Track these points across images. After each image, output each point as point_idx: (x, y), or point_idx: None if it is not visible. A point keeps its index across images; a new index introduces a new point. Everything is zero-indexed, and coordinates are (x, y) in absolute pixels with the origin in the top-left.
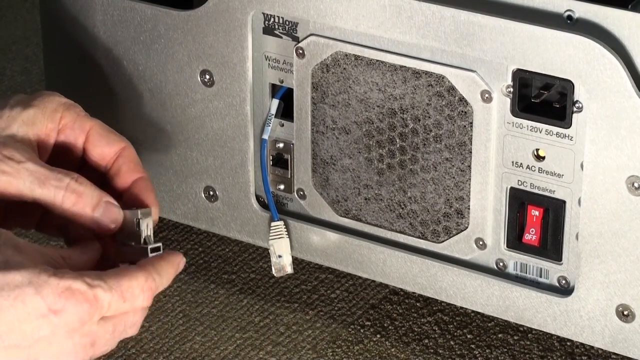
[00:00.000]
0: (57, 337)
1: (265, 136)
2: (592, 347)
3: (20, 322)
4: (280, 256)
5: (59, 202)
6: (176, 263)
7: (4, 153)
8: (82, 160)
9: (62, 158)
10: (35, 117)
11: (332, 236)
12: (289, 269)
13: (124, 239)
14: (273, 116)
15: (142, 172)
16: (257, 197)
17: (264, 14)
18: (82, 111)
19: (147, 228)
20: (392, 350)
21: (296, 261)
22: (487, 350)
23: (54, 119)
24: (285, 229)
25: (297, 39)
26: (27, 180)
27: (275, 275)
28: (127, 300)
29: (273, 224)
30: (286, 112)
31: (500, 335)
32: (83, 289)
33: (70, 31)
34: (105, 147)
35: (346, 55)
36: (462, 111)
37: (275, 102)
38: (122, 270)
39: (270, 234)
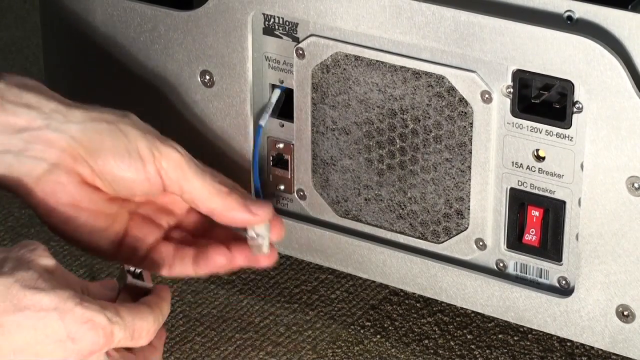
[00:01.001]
0: None
1: (262, 122)
2: (592, 348)
3: (36, 343)
4: (258, 234)
5: (215, 193)
6: (169, 298)
7: (173, 142)
8: None
9: None
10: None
11: (332, 237)
12: (265, 250)
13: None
14: (273, 105)
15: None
16: (258, 197)
17: (264, 14)
18: None
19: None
20: (392, 350)
21: (296, 262)
22: (487, 351)
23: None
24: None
25: (297, 40)
26: (193, 167)
27: (253, 254)
28: (133, 339)
29: None
30: (286, 112)
31: (500, 336)
32: (104, 324)
33: (70, 32)
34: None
35: (346, 55)
36: (462, 112)
37: (277, 92)
38: (135, 308)
39: None
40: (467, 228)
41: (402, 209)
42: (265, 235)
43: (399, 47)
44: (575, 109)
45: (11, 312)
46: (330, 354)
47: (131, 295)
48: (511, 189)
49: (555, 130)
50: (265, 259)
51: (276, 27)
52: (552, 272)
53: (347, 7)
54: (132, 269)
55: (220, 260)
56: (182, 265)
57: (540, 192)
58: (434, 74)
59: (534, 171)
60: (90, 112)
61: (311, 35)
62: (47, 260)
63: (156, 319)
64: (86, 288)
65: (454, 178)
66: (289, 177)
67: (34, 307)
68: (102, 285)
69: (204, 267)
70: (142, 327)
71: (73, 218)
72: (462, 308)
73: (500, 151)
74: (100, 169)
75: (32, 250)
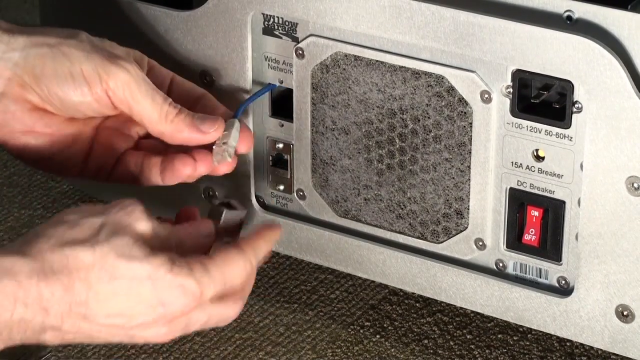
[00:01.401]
0: (158, 324)
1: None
2: (592, 348)
3: (129, 308)
4: (225, 143)
5: (163, 116)
6: (273, 240)
7: (123, 59)
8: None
9: None
10: (128, 52)
11: (332, 236)
12: (228, 158)
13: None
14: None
15: (224, 109)
16: (257, 197)
17: (263, 14)
18: None
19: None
20: (392, 350)
21: (296, 261)
22: (486, 351)
23: (143, 60)
24: (239, 125)
25: (296, 40)
26: (143, 87)
27: (214, 163)
28: (226, 289)
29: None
30: (286, 112)
31: (499, 336)
32: (193, 288)
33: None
34: (190, 87)
35: (346, 55)
36: (462, 111)
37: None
38: (225, 259)
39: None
40: (466, 228)
41: (402, 208)
42: (230, 144)
43: (398, 47)
44: (574, 109)
45: (106, 280)
46: (330, 354)
47: (229, 231)
48: (511, 188)
49: (555, 130)
50: (224, 166)
51: (276, 27)
52: (552, 272)
53: (346, 7)
54: (223, 201)
55: (185, 171)
56: (150, 175)
57: (540, 192)
58: (434, 74)
59: (534, 171)
60: (33, 36)
61: (311, 35)
62: (143, 225)
63: (247, 261)
64: (180, 242)
65: (453, 178)
66: (289, 177)
67: (128, 276)
68: (197, 231)
69: (171, 177)
70: (234, 275)
71: (31, 144)
72: (461, 308)
73: (499, 151)
74: (47, 95)
75: (129, 212)
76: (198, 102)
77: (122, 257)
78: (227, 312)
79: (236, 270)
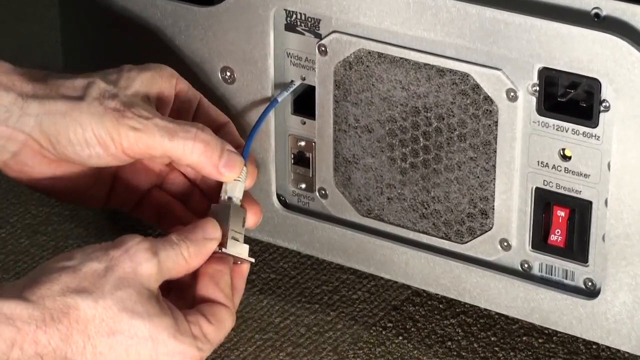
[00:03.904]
0: None
1: (279, 98)
2: (619, 351)
3: None
4: (229, 198)
5: (188, 152)
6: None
7: (132, 111)
8: None
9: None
10: (153, 79)
11: (354, 236)
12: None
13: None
14: (295, 86)
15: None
16: (279, 196)
17: (286, 10)
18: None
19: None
20: (415, 352)
21: (317, 261)
22: (511, 353)
23: (171, 84)
24: (246, 174)
25: (319, 36)
26: (157, 135)
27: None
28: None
29: None
30: (308, 110)
31: (524, 338)
32: (194, 355)
33: (89, 28)
34: (215, 114)
35: (369, 52)
36: (487, 110)
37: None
38: (218, 323)
39: None
40: (491, 228)
41: (426, 208)
42: (236, 197)
43: (423, 44)
44: (602, 108)
45: (105, 334)
46: (352, 356)
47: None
48: (536, 188)
49: (582, 129)
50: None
51: (298, 23)
52: (578, 274)
53: (370, 3)
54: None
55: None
56: (171, 221)
57: (566, 192)
58: (459, 71)
59: (560, 171)
60: (46, 101)
61: (334, 31)
62: (147, 267)
63: (232, 316)
64: (189, 257)
65: (478, 177)
66: (311, 175)
67: (129, 332)
68: (203, 234)
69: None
70: (224, 334)
71: (51, 186)
72: (485, 309)
73: (525, 150)
74: (64, 156)
75: (132, 256)
76: (219, 130)
77: (125, 311)
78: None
79: (227, 328)
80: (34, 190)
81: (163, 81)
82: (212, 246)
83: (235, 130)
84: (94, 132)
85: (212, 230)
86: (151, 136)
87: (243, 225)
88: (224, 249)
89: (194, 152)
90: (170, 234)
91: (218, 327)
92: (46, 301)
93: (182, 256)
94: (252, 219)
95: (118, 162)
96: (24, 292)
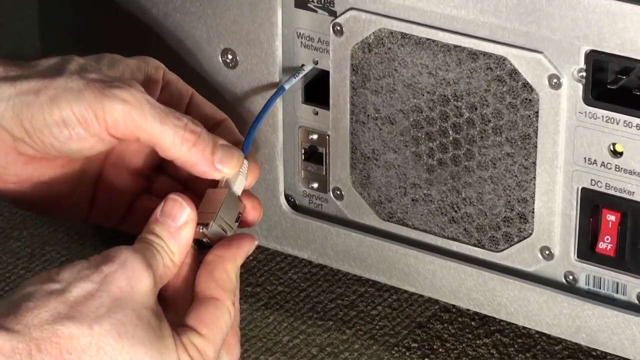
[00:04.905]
0: None
1: (286, 85)
2: None
3: None
4: (227, 183)
5: (178, 143)
6: (246, 250)
7: (120, 81)
8: None
9: None
10: (138, 65)
11: (374, 243)
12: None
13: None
14: (305, 72)
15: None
16: (287, 197)
17: None
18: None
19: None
20: None
21: (331, 272)
22: None
23: (158, 74)
24: (247, 170)
25: (334, 14)
26: (147, 114)
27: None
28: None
29: None
30: (321, 98)
31: None
32: None
33: (68, 5)
34: (210, 111)
35: (391, 32)
36: (526, 99)
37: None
38: (211, 327)
39: None
40: (530, 234)
41: (455, 211)
42: (235, 190)
43: (452, 24)
44: None
45: None
46: None
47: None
48: (583, 189)
49: (635, 120)
50: (251, 179)
51: None
52: (631, 287)
53: None
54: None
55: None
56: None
57: (617, 193)
58: (494, 54)
59: (610, 168)
60: (18, 82)
61: (351, 8)
62: (144, 283)
63: (225, 309)
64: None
65: (516, 176)
66: (324, 173)
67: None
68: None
69: None
70: (223, 334)
71: (27, 193)
72: (524, 328)
73: (570, 145)
74: (41, 146)
75: (127, 271)
76: (216, 128)
77: (126, 338)
78: None
79: (223, 326)
80: (5, 199)
81: (149, 69)
82: (189, 232)
83: (234, 127)
84: (72, 109)
85: (179, 213)
86: (142, 113)
87: (236, 221)
88: (204, 229)
89: (184, 144)
90: (144, 236)
91: (211, 331)
92: (32, 331)
93: (169, 258)
94: (250, 214)
95: (102, 145)
96: (5, 320)
